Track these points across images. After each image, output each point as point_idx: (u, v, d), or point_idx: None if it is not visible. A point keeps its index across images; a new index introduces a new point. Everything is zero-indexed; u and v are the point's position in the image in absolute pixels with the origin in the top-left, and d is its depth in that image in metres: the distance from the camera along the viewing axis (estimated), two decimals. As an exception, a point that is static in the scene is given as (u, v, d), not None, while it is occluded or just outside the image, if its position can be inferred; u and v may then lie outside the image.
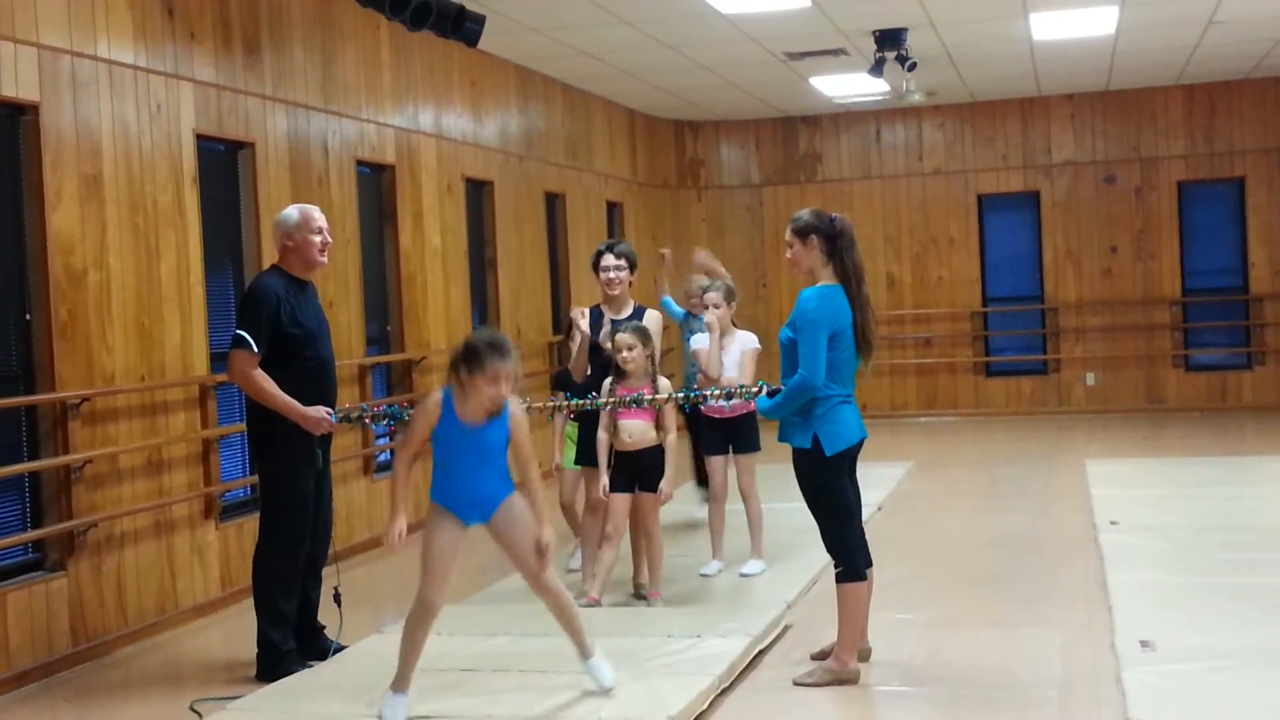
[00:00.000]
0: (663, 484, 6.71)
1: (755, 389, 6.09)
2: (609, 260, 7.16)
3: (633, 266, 7.22)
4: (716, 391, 6.53)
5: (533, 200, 12.35)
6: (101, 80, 6.80)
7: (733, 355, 7.39)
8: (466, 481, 5.10)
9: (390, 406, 7.27)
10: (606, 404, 6.58)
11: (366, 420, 6.30)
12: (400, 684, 5.07)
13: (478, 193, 11.41)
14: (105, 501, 6.66)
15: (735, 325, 7.54)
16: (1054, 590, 7.10)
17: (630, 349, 6.65)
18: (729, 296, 7.51)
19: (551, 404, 6.69)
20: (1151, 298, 15.32)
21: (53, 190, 6.42)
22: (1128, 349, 15.36)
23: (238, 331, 5.87)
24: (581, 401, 6.55)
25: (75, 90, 6.61)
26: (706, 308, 7.52)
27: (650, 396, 6.55)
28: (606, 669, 5.23)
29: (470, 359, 4.94)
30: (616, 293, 7.17)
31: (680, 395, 6.62)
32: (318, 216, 6.14)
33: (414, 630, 5.08)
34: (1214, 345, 15.47)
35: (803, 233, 5.55)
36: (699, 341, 7.57)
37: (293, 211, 6.15)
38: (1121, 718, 4.82)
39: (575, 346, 7.17)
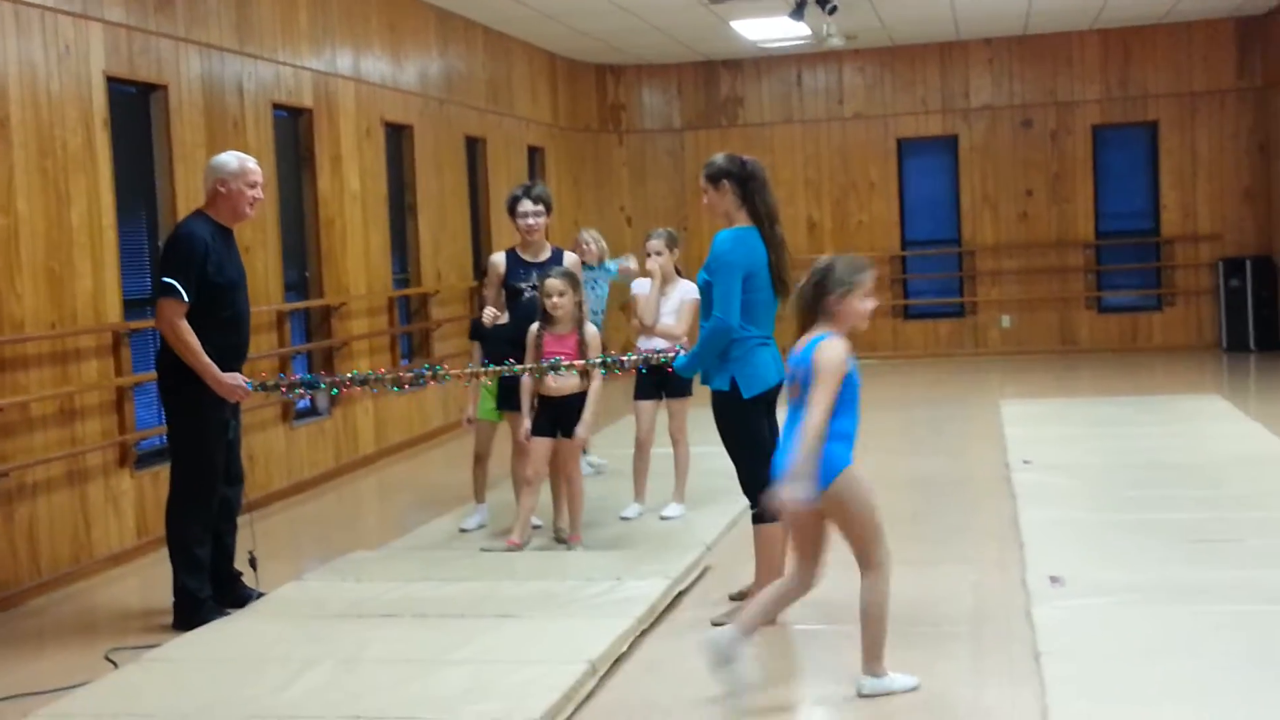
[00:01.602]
0: (578, 428, 6.73)
1: (671, 353, 6.09)
2: (526, 205, 7.13)
3: (549, 210, 7.19)
4: (635, 357, 6.48)
5: (453, 145, 12.25)
6: (6, 20, 6.63)
7: (672, 302, 7.39)
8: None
9: (307, 375, 7.19)
10: (526, 369, 6.54)
11: (283, 389, 6.25)
12: None
13: (397, 137, 11.30)
14: (16, 450, 6.55)
15: (679, 273, 7.55)
16: (968, 529, 7.23)
17: (560, 295, 6.63)
18: (671, 244, 7.50)
19: (471, 369, 6.63)
20: (1066, 241, 15.53)
21: (-43, 133, 6.28)
22: (1042, 291, 15.58)
23: (166, 279, 5.77)
24: (500, 368, 6.50)
25: (-22, 30, 6.46)
26: (599, 259, 7.53)
27: (569, 363, 6.53)
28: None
29: (843, 279, 4.56)
30: (535, 238, 7.15)
31: (597, 361, 6.57)
32: (255, 170, 6.04)
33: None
34: (1126, 287, 15.73)
35: (715, 178, 5.57)
36: (639, 287, 7.56)
37: (231, 159, 6.02)
38: (1031, 651, 4.92)
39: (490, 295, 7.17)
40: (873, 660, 4.67)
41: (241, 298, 6.06)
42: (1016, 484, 7.95)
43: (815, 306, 4.61)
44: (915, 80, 15.87)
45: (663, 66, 16.34)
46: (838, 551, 6.66)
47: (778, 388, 5.63)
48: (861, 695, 4.62)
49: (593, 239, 8.63)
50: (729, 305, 5.37)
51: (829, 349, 4.52)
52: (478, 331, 7.44)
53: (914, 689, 4.65)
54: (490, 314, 7.13)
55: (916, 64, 15.84)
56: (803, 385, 4.56)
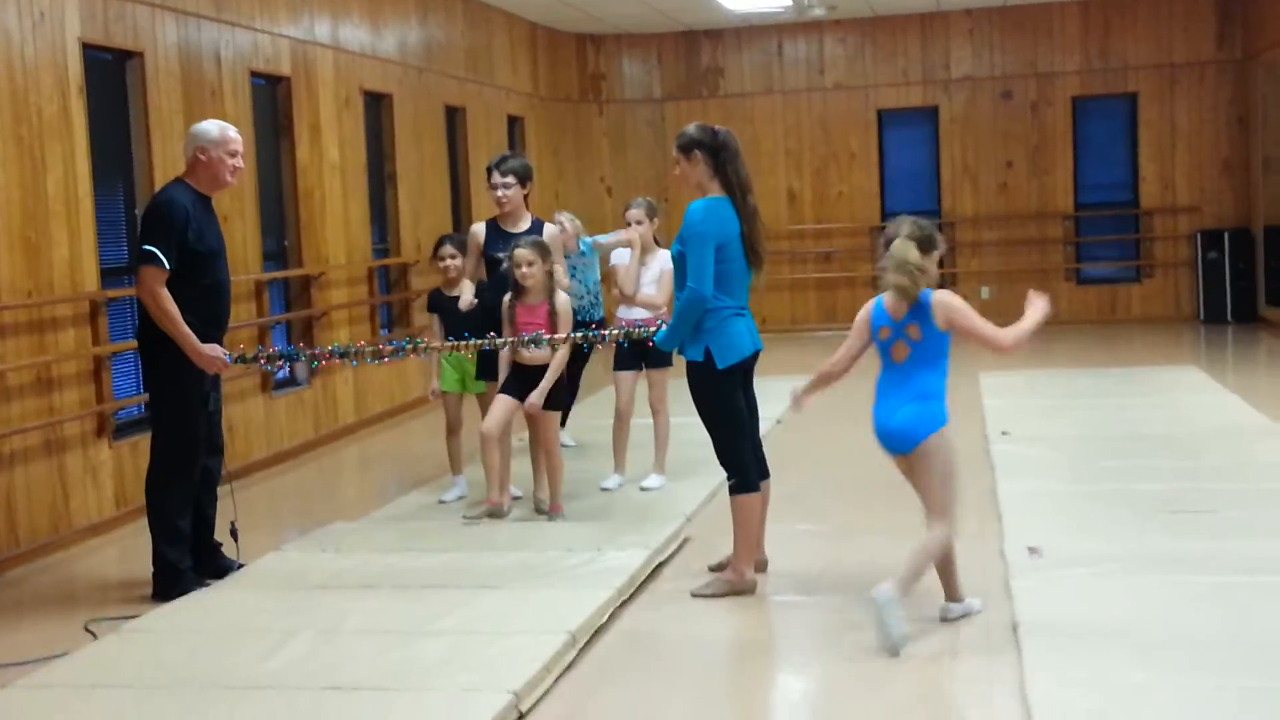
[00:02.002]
0: (531, 395, 6.66)
1: (651, 327, 6.03)
2: (496, 178, 7.11)
3: (523, 181, 7.14)
4: (615, 332, 6.43)
5: (433, 114, 12.19)
6: (-20, -14, 6.57)
7: (653, 272, 7.38)
8: None
9: (287, 348, 7.14)
10: (508, 343, 6.48)
11: (262, 361, 6.21)
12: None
13: (376, 106, 11.24)
14: (-6, 421, 6.53)
15: (657, 243, 7.52)
16: (947, 500, 7.24)
17: (530, 264, 6.61)
18: (651, 213, 7.48)
19: (451, 341, 6.59)
20: (1045, 212, 15.56)
21: (-70, 101, 6.22)
22: (1022, 263, 15.61)
23: (146, 246, 5.73)
24: (480, 341, 6.41)
25: (-48, -4, 6.39)
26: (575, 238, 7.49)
27: (549, 337, 6.47)
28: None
29: (937, 241, 4.99)
30: (507, 209, 7.13)
31: (579, 335, 6.50)
32: (236, 139, 6.00)
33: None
34: (1105, 259, 15.77)
35: (686, 148, 5.55)
36: (619, 257, 7.54)
37: (212, 127, 5.98)
38: (1009, 621, 4.95)
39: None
40: (903, 585, 4.79)
41: (222, 266, 6.03)
42: (995, 455, 7.98)
43: (908, 267, 4.86)
44: (896, 51, 15.85)
45: (643, 36, 16.27)
46: (821, 524, 6.70)
47: (753, 358, 5.65)
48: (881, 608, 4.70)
49: (568, 220, 8.37)
50: (702, 276, 5.36)
51: (953, 297, 4.95)
52: (435, 304, 7.42)
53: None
54: (466, 301, 7.06)
55: (897, 34, 15.81)
56: (928, 336, 4.95)
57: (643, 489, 7.49)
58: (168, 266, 5.71)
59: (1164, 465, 7.52)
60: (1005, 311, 15.89)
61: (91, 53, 7.46)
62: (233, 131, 6.02)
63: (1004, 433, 8.62)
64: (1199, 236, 15.00)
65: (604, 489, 7.53)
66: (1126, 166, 15.57)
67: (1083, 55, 15.42)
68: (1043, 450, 8.06)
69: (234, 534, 6.20)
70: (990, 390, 10.45)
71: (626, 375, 7.63)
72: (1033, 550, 5.78)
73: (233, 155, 5.98)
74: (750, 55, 16.16)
